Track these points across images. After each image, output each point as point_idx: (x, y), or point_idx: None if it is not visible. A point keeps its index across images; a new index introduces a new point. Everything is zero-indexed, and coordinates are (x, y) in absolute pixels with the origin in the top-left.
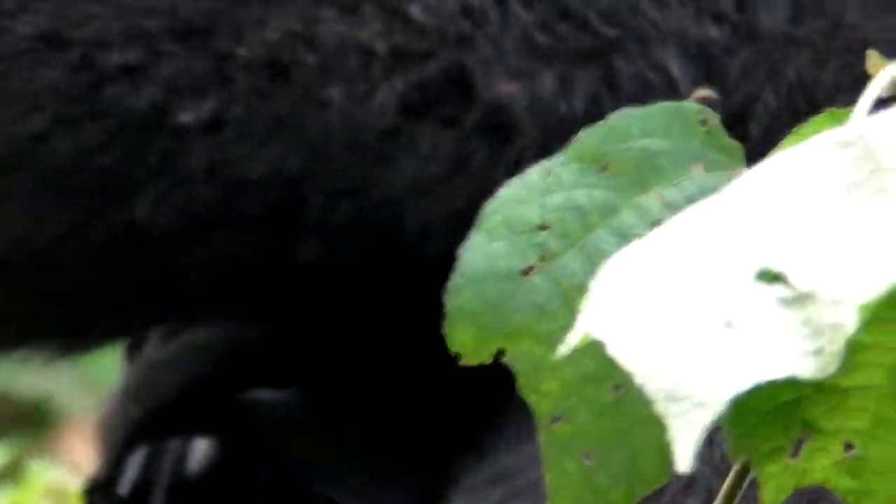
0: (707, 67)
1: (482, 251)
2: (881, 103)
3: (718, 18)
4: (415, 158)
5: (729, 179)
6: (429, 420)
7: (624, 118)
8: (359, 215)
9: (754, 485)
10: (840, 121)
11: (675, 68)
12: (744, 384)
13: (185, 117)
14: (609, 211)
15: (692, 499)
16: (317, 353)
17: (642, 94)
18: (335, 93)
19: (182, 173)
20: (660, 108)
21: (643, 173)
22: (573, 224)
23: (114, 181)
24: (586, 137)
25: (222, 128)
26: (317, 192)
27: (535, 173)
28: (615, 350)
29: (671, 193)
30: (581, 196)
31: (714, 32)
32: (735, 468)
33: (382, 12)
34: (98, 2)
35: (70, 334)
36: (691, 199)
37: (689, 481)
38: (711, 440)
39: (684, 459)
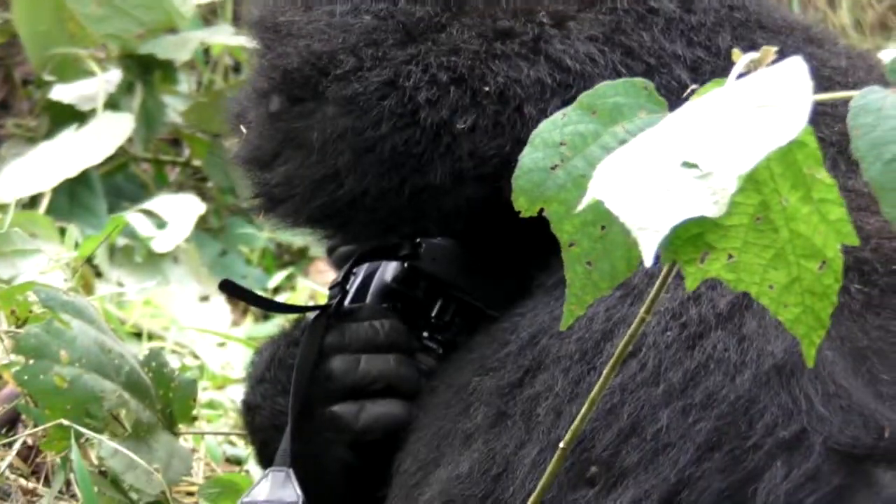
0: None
1: (530, 157)
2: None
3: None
4: None
5: (660, 119)
6: (518, 254)
7: (604, 87)
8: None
9: None
10: (721, 84)
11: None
12: (677, 219)
13: (460, 125)
14: (597, 135)
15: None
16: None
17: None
18: None
19: (457, 154)
20: (623, 81)
21: (614, 115)
22: (578, 142)
23: (424, 162)
24: (583, 96)
25: (475, 130)
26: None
27: (557, 115)
28: (609, 204)
29: (630, 126)
30: (581, 127)
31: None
32: (665, 268)
33: None
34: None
35: (334, 229)
36: (641, 129)
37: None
38: None
39: (648, 259)
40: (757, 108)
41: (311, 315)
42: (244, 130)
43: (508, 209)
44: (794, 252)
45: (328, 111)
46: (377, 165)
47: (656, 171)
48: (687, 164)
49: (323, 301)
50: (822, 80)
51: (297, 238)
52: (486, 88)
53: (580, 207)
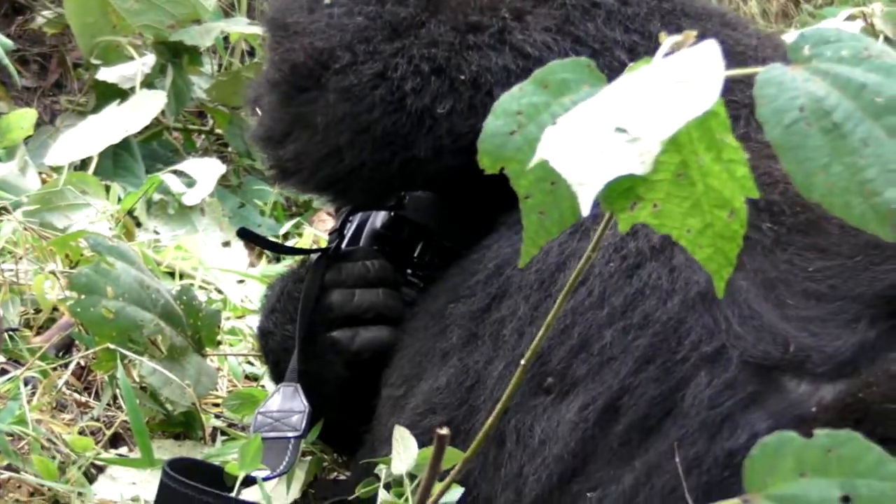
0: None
1: (492, 124)
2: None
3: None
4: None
5: (600, 91)
6: (486, 205)
7: (554, 65)
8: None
9: None
10: (649, 62)
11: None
12: (610, 176)
13: (440, 110)
14: (547, 105)
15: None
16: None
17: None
18: None
19: (438, 133)
20: (570, 60)
21: (562, 89)
22: (532, 111)
23: (410, 140)
24: (537, 73)
25: (452, 113)
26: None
27: (515, 89)
28: (553, 163)
29: (575, 97)
30: (535, 99)
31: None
32: (607, 215)
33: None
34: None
35: (337, 195)
36: (584, 100)
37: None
38: None
39: (585, 210)
40: (678, 83)
41: (314, 256)
42: (259, 113)
43: (479, 171)
44: (708, 203)
45: (329, 99)
46: (371, 143)
47: (593, 135)
48: (619, 130)
49: (324, 245)
50: (736, 56)
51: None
52: (462, 77)
53: (530, 165)
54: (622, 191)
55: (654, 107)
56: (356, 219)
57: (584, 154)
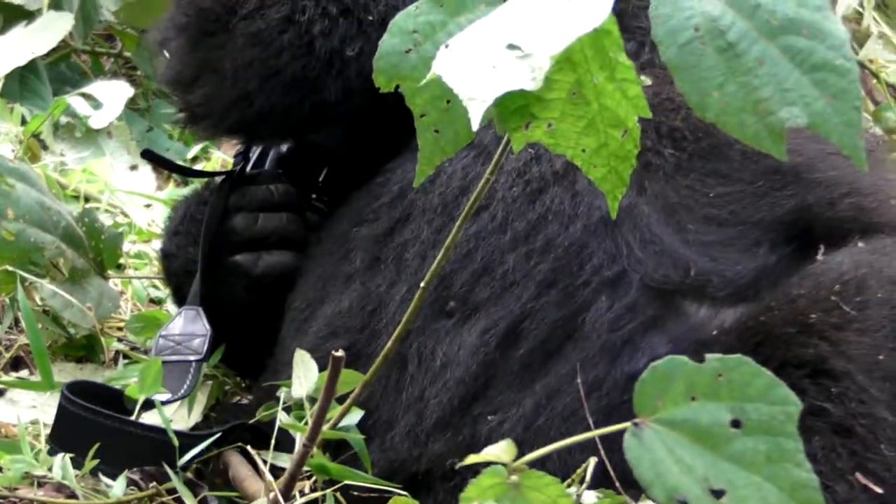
0: None
1: (388, 42)
2: None
3: None
4: None
5: (495, 10)
6: (389, 129)
7: None
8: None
9: None
10: None
11: None
12: (500, 91)
13: (349, 52)
14: (444, 25)
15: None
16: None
17: None
18: None
19: (347, 75)
20: None
21: (459, 8)
22: (428, 30)
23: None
24: None
25: (361, 54)
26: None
27: (410, 8)
28: (446, 78)
29: (472, 16)
30: (431, 18)
31: None
32: (505, 137)
33: None
34: None
35: (247, 138)
36: (479, 18)
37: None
38: None
39: (475, 124)
40: (570, 1)
41: (218, 179)
42: (167, 56)
43: (384, 101)
44: (603, 122)
45: (237, 44)
46: (280, 88)
47: (486, 52)
48: (511, 47)
49: (230, 169)
50: None
51: None
52: (370, 18)
53: (423, 82)
54: (517, 109)
55: (546, 24)
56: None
57: (477, 70)
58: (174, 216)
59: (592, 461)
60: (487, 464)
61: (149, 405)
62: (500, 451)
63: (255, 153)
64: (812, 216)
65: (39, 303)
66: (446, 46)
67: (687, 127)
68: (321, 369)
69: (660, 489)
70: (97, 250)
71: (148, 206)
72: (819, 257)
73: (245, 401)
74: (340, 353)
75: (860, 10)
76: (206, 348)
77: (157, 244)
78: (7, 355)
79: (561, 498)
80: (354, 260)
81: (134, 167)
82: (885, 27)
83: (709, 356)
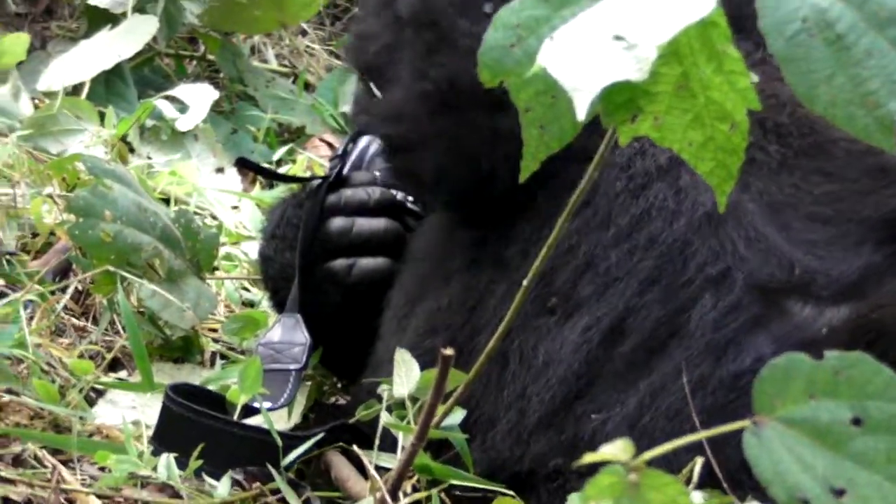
0: None
1: (492, 37)
2: None
3: None
4: None
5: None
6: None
7: None
8: None
9: None
10: None
11: None
12: (606, 82)
13: None
14: (548, 19)
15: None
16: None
17: None
18: None
19: None
20: None
21: (563, 2)
22: (532, 24)
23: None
24: None
25: None
26: None
27: (515, 2)
28: (550, 69)
29: (575, 9)
30: (535, 12)
31: None
32: (609, 131)
33: None
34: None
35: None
36: (583, 11)
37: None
38: None
39: (581, 115)
40: None
41: (314, 182)
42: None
43: None
44: (710, 115)
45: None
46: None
47: (591, 43)
48: (617, 38)
49: (318, 171)
50: None
51: (295, 118)
52: None
53: (528, 74)
54: (622, 102)
55: (651, 14)
56: (360, 142)
57: (582, 61)
58: (271, 218)
59: (699, 461)
60: (595, 465)
61: (250, 412)
62: (618, 449)
63: (353, 154)
64: None
65: (137, 304)
66: (551, 38)
67: (792, 123)
68: (421, 367)
69: (780, 488)
70: (193, 251)
71: (235, 208)
72: None
73: (342, 401)
74: (450, 351)
75: None
76: (304, 357)
77: (245, 246)
78: (107, 356)
79: (680, 497)
80: (455, 259)
81: (220, 169)
82: None
83: (827, 353)
